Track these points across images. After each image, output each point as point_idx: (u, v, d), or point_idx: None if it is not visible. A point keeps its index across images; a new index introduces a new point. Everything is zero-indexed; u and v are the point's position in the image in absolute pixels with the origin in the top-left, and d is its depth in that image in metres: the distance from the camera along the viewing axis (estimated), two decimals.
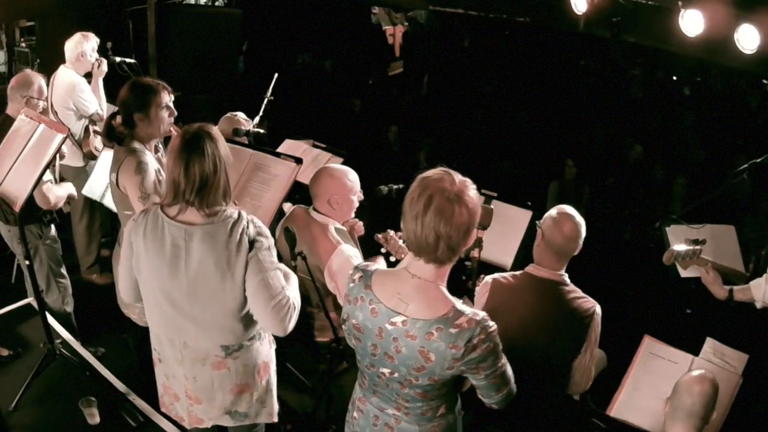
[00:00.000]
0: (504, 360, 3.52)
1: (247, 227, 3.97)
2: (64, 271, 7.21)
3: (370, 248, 5.87)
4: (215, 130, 4.03)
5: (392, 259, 5.70)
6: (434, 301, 3.40)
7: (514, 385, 3.70)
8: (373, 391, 3.83)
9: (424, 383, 3.50)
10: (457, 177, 3.36)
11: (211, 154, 3.88)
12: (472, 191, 3.36)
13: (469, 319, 3.31)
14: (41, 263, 6.88)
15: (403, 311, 3.43)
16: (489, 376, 3.47)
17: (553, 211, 4.70)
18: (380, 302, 3.51)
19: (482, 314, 3.37)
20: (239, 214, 3.99)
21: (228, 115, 7.09)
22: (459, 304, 3.40)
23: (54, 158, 6.06)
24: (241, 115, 7.06)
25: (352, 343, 3.81)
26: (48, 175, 6.19)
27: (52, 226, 6.92)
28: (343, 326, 3.81)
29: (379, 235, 5.90)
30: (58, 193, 6.38)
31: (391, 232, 5.78)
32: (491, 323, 3.37)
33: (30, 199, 5.97)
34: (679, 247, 5.63)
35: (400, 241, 5.73)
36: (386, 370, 3.59)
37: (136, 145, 5.22)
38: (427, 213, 3.24)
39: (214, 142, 3.93)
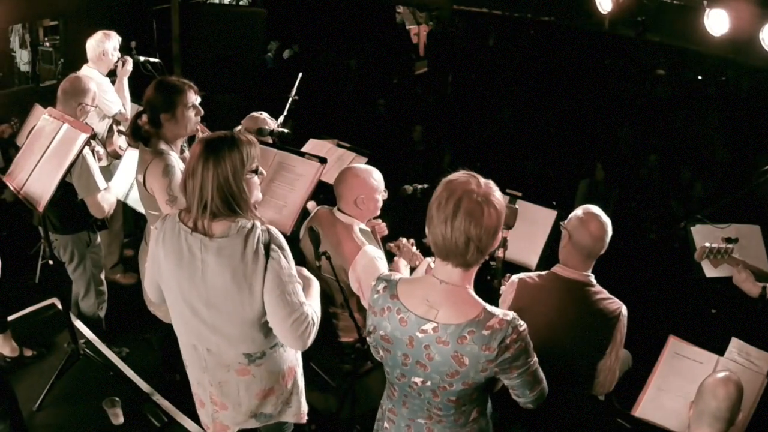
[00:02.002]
0: (535, 358, 3.50)
1: (263, 237, 3.90)
2: (103, 277, 7.26)
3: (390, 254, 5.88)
4: (241, 137, 3.94)
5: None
6: (464, 305, 3.37)
7: (546, 385, 3.67)
8: (402, 402, 3.80)
9: (458, 389, 3.47)
10: (482, 179, 3.35)
11: (230, 164, 3.79)
12: (497, 192, 3.34)
13: (501, 320, 3.29)
14: (84, 270, 6.93)
15: (433, 318, 3.40)
16: (522, 374, 3.44)
17: (578, 211, 4.71)
18: (409, 311, 3.47)
19: (512, 314, 3.35)
20: (253, 224, 3.91)
21: (253, 114, 7.09)
22: (488, 306, 3.38)
23: (90, 160, 6.11)
24: (265, 116, 7.07)
25: (379, 356, 3.80)
26: (103, 183, 6.24)
27: (98, 233, 6.98)
28: (368, 338, 3.80)
29: (391, 244, 5.89)
30: (111, 199, 6.41)
31: (404, 240, 5.75)
32: (521, 322, 3.34)
33: (81, 207, 6.02)
34: (712, 244, 5.63)
35: (414, 248, 5.71)
36: (418, 380, 3.57)
37: (162, 146, 5.22)
38: (457, 216, 3.22)
39: (235, 151, 3.83)
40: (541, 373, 3.60)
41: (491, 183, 3.38)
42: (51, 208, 5.99)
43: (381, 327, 3.60)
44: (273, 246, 3.91)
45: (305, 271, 4.40)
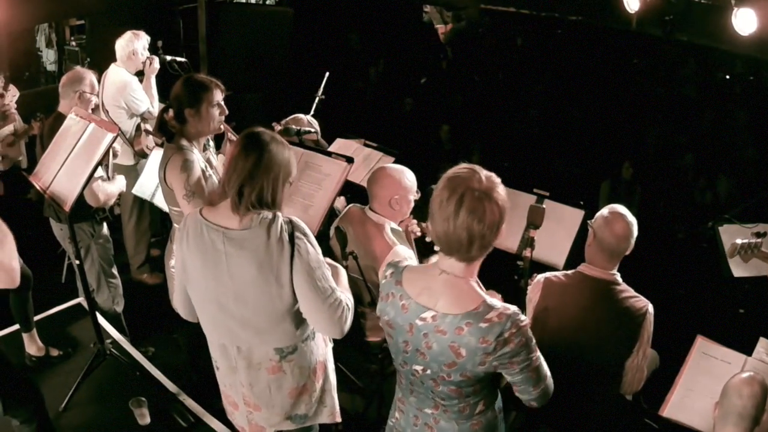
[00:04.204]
0: (538, 354, 3.47)
1: (285, 226, 3.90)
2: (115, 271, 7.26)
3: (425, 249, 5.86)
4: (279, 136, 3.99)
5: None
6: (464, 296, 3.37)
7: (551, 383, 3.64)
8: (410, 390, 3.80)
9: (456, 379, 3.46)
10: (484, 173, 3.34)
11: (267, 158, 3.82)
12: (500, 187, 3.33)
13: (500, 314, 3.27)
14: (92, 262, 6.94)
15: (432, 306, 3.42)
16: (524, 370, 3.41)
17: (604, 211, 4.68)
18: (410, 298, 3.50)
19: (513, 308, 3.33)
20: (274, 215, 3.92)
21: (296, 115, 7.13)
22: (489, 298, 3.36)
23: (106, 156, 6.09)
24: (307, 118, 7.11)
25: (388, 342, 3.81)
26: (99, 172, 6.22)
27: (105, 224, 6.98)
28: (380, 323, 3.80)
29: (423, 224, 5.89)
30: (108, 190, 6.41)
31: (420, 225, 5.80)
32: (522, 317, 3.32)
33: (81, 196, 5.99)
34: (742, 239, 5.61)
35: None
36: (419, 368, 3.57)
37: (184, 142, 5.23)
38: (459, 214, 3.22)
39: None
40: (545, 371, 3.57)
41: (493, 177, 3.37)
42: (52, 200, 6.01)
43: (385, 312, 3.65)
44: (297, 234, 3.91)
45: (331, 261, 4.40)
